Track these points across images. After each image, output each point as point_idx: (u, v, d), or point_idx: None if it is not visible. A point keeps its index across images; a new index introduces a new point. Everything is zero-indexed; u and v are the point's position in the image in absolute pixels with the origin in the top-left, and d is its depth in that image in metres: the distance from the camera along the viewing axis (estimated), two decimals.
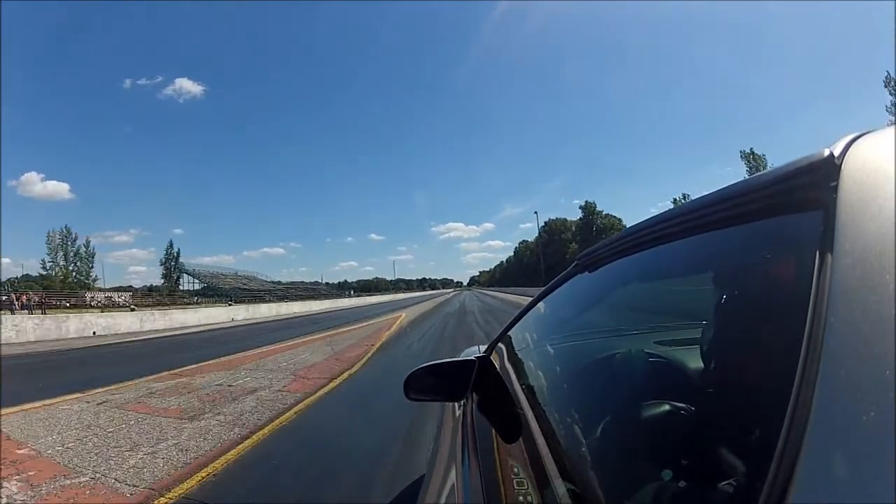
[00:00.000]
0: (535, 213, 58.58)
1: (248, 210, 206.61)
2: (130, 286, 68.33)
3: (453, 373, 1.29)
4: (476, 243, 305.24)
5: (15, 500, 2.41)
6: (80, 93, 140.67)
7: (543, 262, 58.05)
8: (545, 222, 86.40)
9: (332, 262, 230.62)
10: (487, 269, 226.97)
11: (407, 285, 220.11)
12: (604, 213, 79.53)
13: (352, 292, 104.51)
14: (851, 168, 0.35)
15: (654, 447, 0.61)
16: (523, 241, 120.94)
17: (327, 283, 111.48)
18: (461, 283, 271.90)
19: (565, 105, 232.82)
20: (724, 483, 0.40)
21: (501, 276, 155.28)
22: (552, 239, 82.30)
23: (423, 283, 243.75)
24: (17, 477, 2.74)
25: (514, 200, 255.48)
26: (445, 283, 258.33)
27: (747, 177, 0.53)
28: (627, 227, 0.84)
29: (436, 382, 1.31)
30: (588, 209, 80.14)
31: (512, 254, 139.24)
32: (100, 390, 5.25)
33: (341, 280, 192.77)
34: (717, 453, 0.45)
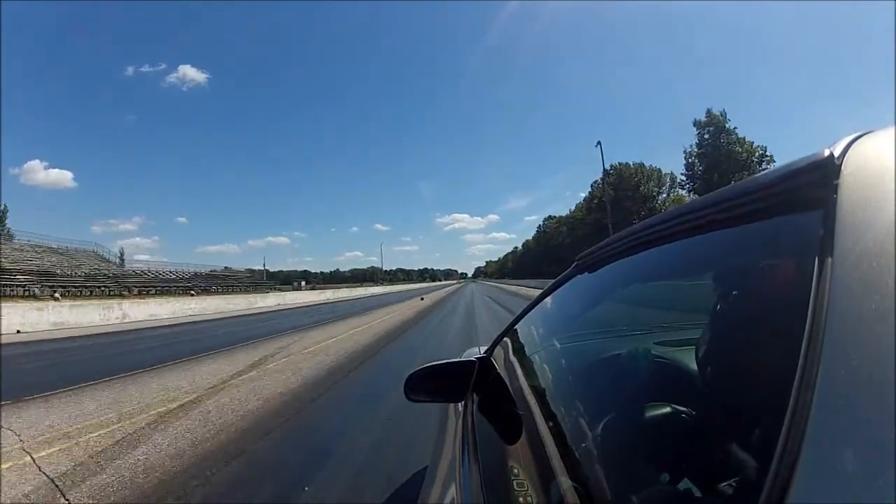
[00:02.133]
0: (598, 143, 23.70)
1: (252, 200, 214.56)
2: None
3: (454, 373, 1.27)
4: (481, 235, 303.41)
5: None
6: (82, 80, 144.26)
7: (608, 227, 25.94)
8: (611, 166, 48.50)
9: (338, 251, 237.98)
10: (495, 259, 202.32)
11: (406, 276, 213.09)
12: (740, 134, 39.42)
13: (303, 283, 70.39)
14: (852, 168, 0.35)
15: (654, 447, 0.61)
16: (550, 216, 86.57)
17: (263, 271, 78.39)
18: (465, 274, 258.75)
19: (570, 101, 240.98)
20: (724, 483, 0.40)
21: (516, 266, 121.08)
22: (616, 197, 46.48)
23: (423, 274, 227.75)
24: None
25: (520, 192, 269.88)
26: (448, 274, 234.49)
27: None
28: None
29: (436, 383, 1.29)
30: (714, 123, 40.35)
31: (531, 236, 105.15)
32: None
33: (333, 270, 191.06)
34: (717, 453, 0.45)
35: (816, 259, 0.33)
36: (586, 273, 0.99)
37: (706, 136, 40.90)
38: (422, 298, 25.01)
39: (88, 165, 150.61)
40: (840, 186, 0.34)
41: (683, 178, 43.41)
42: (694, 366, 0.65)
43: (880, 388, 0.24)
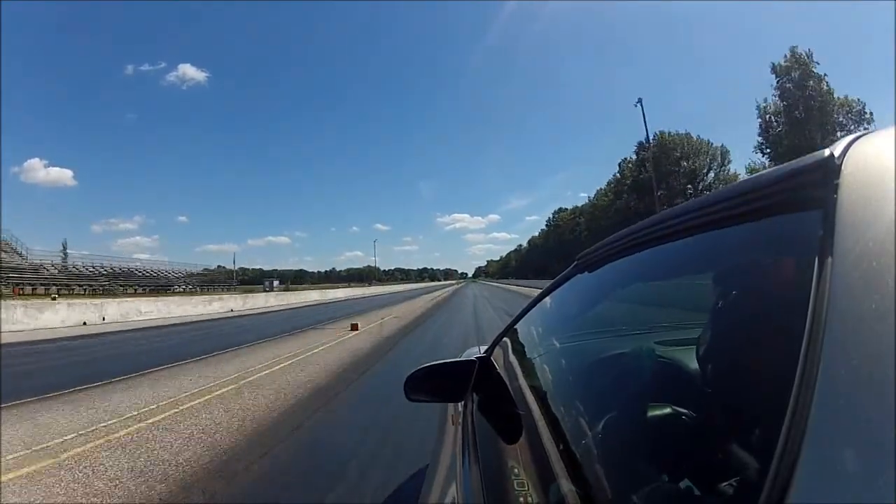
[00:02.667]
0: (639, 101, 12.81)
1: (253, 199, 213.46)
2: None
3: (454, 373, 1.26)
4: (482, 235, 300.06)
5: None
6: (81, 78, 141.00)
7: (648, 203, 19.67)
8: (655, 134, 36.69)
9: (338, 251, 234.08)
10: (497, 259, 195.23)
11: (405, 275, 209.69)
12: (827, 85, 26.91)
13: (276, 283, 60.07)
14: (852, 168, 0.35)
15: (654, 447, 0.61)
16: (561, 208, 76.26)
17: (234, 271, 68.88)
18: (465, 273, 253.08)
19: (570, 101, 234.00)
20: (725, 483, 0.40)
21: (521, 264, 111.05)
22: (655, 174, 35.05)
23: (422, 274, 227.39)
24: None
25: (520, 192, 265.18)
26: (448, 274, 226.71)
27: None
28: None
29: (436, 383, 1.28)
30: (801, 67, 27.86)
31: (538, 232, 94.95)
32: None
33: (329, 269, 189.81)
34: (717, 453, 0.46)
35: (816, 259, 0.33)
36: (586, 272, 0.98)
37: (789, 86, 28.15)
38: (353, 328, 10.26)
39: (89, 164, 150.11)
40: (840, 186, 0.34)
41: (760, 141, 30.76)
42: (694, 366, 0.65)
43: (880, 388, 0.24)
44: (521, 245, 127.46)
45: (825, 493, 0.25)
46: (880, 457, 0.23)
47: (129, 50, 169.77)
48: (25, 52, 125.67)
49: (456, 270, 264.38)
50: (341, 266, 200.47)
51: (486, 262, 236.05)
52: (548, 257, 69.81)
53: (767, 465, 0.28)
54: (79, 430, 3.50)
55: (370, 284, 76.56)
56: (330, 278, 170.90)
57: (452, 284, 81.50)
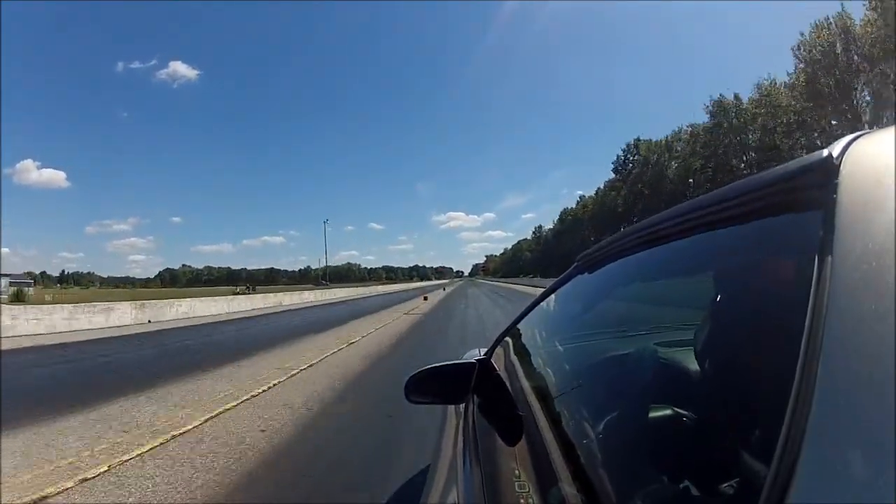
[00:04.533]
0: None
1: (247, 199, 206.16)
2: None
3: (454, 375, 1.26)
4: (477, 233, 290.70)
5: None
6: (71, 77, 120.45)
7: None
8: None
9: (332, 251, 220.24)
10: (499, 253, 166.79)
11: (393, 274, 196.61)
12: None
13: (5, 281, 34.91)
14: (851, 168, 0.35)
15: (655, 448, 0.61)
16: (635, 140, 45.01)
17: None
18: (461, 272, 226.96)
19: (568, 100, 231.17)
20: (725, 483, 0.40)
21: (540, 254, 79.93)
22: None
23: (412, 272, 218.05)
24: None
25: (517, 191, 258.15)
26: (441, 273, 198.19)
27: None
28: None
29: (436, 385, 1.28)
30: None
31: (580, 198, 64.26)
32: None
33: (304, 268, 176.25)
34: (718, 453, 0.45)
35: (816, 259, 0.33)
36: (587, 273, 0.99)
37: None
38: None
39: (81, 165, 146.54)
40: (839, 186, 0.34)
41: None
42: (694, 366, 0.65)
43: (880, 387, 0.24)
44: (539, 226, 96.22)
45: (825, 493, 0.25)
46: (880, 457, 0.23)
47: (118, 47, 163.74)
48: (18, 54, 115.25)
49: (451, 268, 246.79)
50: (339, 263, 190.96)
51: (484, 258, 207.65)
52: (598, 235, 38.78)
53: (767, 465, 0.28)
54: None
55: (317, 286, 45.61)
56: (306, 278, 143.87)
57: (445, 284, 50.57)
